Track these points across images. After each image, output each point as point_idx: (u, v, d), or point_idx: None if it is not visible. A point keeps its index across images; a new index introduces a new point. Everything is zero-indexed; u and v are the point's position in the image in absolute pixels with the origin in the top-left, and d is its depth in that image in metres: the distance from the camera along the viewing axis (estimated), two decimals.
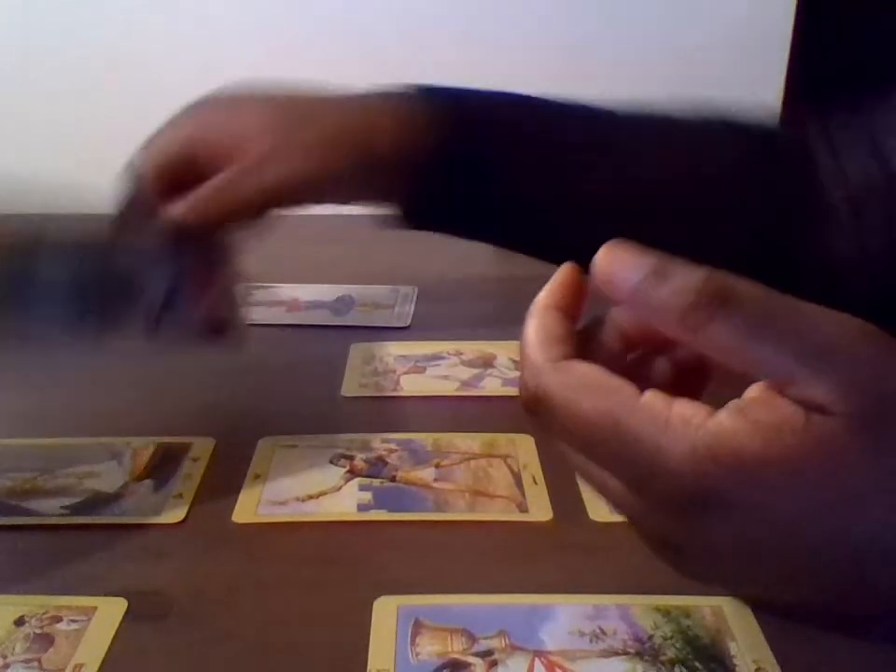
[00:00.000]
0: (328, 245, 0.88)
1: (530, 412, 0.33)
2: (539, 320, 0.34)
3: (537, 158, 0.59)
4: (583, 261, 0.34)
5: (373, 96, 0.60)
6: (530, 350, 0.33)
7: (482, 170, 0.58)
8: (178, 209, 0.54)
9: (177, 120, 0.58)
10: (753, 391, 0.29)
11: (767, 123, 0.64)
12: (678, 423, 0.29)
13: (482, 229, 0.62)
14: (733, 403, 0.29)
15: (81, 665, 0.36)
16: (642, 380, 0.31)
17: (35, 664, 0.36)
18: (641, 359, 0.36)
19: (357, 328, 0.70)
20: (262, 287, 0.80)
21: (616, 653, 0.36)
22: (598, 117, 0.62)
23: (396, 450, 0.52)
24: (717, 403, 0.30)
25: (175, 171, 0.56)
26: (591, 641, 0.37)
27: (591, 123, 0.62)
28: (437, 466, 0.50)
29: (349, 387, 0.60)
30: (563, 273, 0.35)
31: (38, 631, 0.38)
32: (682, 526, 0.31)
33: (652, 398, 0.30)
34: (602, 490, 0.34)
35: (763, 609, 0.38)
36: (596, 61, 1.19)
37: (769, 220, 0.59)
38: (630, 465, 0.30)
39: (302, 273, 0.83)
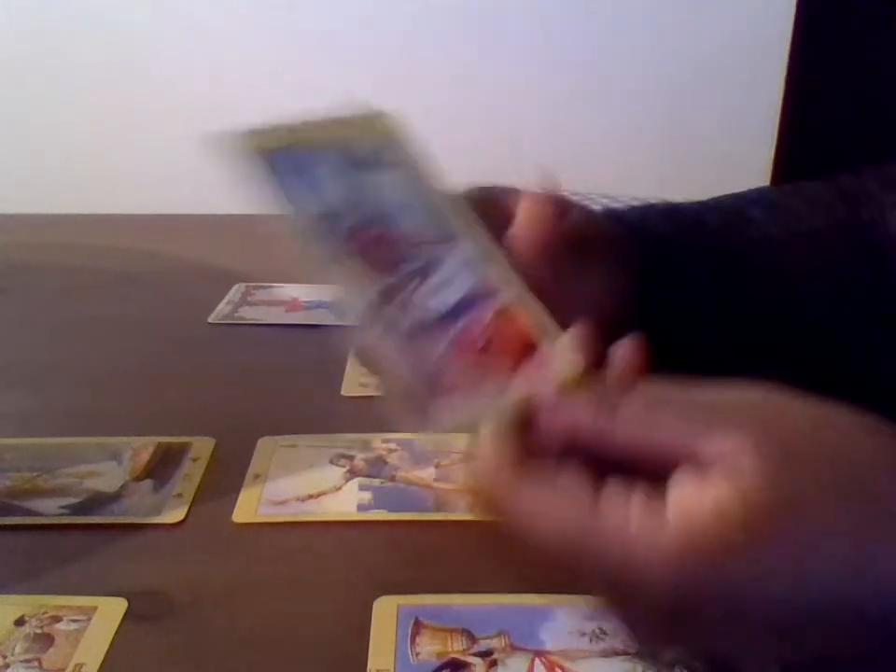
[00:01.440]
0: None
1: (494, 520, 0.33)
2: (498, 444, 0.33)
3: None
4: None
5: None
6: (490, 474, 0.32)
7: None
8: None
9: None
10: (678, 477, 0.30)
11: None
12: (641, 532, 0.29)
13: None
14: (673, 500, 0.30)
15: (81, 665, 0.36)
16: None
17: (35, 663, 0.36)
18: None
19: (353, 327, 0.70)
20: (262, 287, 0.80)
21: (616, 653, 0.36)
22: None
23: (396, 450, 0.52)
24: None
25: None
26: (591, 641, 0.37)
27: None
28: (437, 466, 0.50)
29: (349, 387, 0.60)
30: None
31: (38, 631, 0.38)
32: (660, 623, 0.31)
33: (610, 507, 0.30)
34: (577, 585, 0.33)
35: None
36: (597, 61, 1.19)
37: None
38: (603, 580, 0.30)
39: (302, 274, 0.83)
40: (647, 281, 0.47)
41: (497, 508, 0.32)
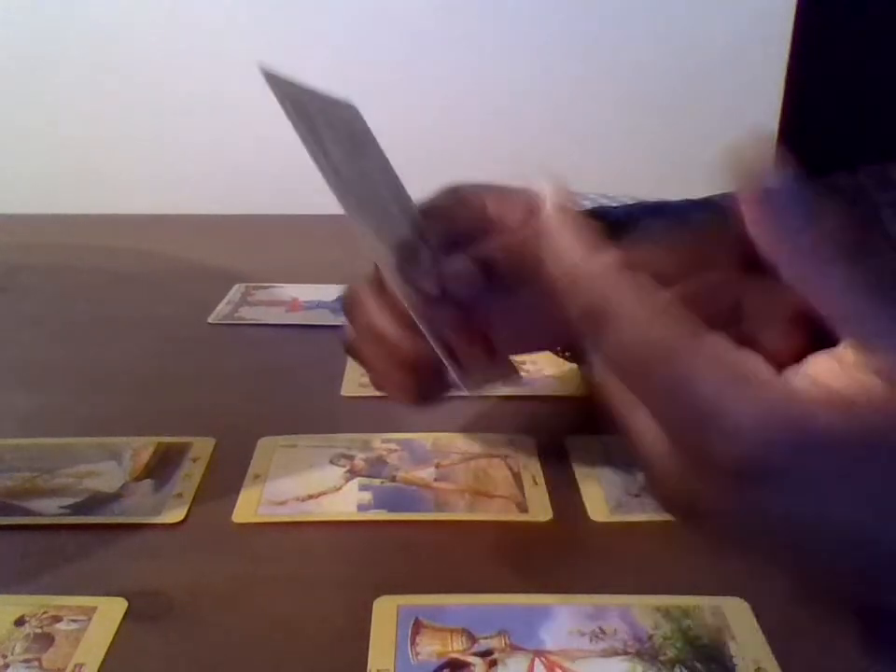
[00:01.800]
0: (328, 245, 0.88)
1: (584, 316, 0.28)
2: (572, 227, 0.29)
3: None
4: None
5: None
6: (584, 252, 0.28)
7: None
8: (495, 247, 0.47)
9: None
10: (818, 359, 0.27)
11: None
12: (746, 377, 0.26)
13: None
14: (805, 367, 0.27)
15: (81, 665, 0.36)
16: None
17: (35, 664, 0.36)
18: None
19: None
20: (262, 286, 0.80)
21: (616, 653, 0.36)
22: None
23: (396, 450, 0.52)
24: None
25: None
26: (591, 641, 0.37)
27: None
28: (437, 466, 0.50)
29: (349, 387, 0.60)
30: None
31: (38, 631, 0.38)
32: (726, 490, 0.27)
33: (719, 340, 0.26)
34: (637, 437, 0.30)
35: (785, 624, 0.37)
36: (598, 61, 1.19)
37: None
38: (683, 412, 0.26)
39: (302, 273, 0.83)
40: None
41: (611, 279, 0.27)
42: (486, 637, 0.37)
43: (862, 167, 0.58)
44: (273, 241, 0.81)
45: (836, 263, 0.26)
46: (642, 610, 0.38)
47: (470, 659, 0.36)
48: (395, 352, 0.45)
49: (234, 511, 0.46)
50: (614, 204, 0.57)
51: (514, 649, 0.36)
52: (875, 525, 0.27)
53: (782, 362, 0.28)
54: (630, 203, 0.57)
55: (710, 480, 0.27)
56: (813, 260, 0.26)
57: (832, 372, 0.26)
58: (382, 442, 0.52)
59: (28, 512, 0.46)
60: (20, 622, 0.38)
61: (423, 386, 0.46)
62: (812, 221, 0.26)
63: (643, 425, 0.29)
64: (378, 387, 0.50)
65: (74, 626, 0.38)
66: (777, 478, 0.26)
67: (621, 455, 0.49)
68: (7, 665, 0.36)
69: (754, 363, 0.26)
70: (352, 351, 0.49)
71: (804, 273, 0.27)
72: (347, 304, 0.49)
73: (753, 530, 0.29)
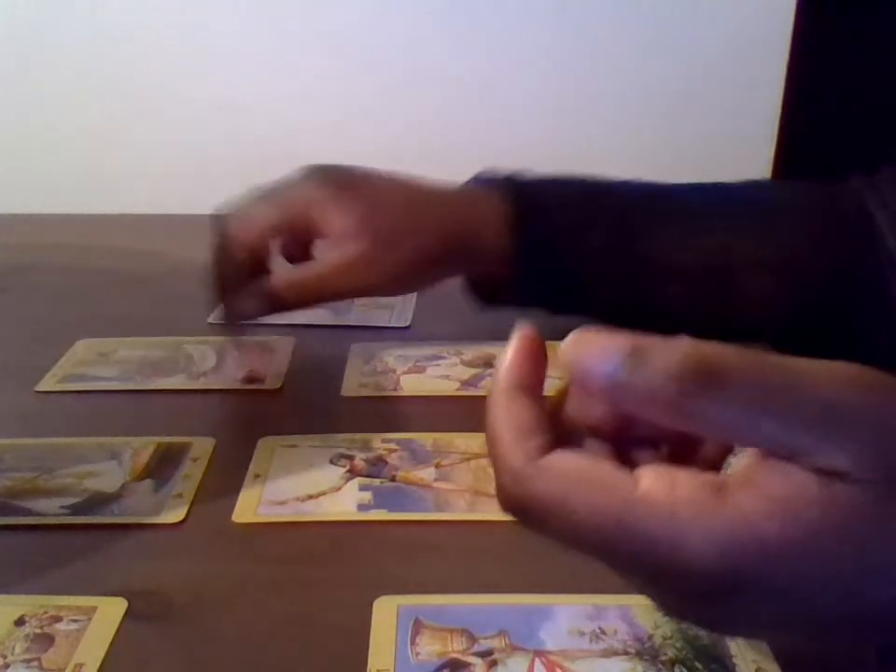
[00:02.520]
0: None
1: (517, 519, 0.29)
2: (506, 411, 0.29)
3: (608, 235, 0.64)
4: (667, 323, 0.31)
5: (460, 189, 0.65)
6: (504, 450, 0.29)
7: (558, 252, 0.63)
8: (280, 284, 0.61)
9: (285, 190, 0.62)
10: (761, 465, 0.27)
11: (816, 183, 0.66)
12: (686, 513, 0.26)
13: (565, 305, 0.65)
14: (745, 480, 0.27)
15: (81, 665, 0.36)
16: (629, 444, 0.30)
17: (35, 663, 0.36)
18: (622, 425, 0.31)
19: (356, 327, 0.70)
20: None
21: (616, 653, 0.36)
22: (669, 192, 0.68)
23: (396, 450, 0.52)
24: None
25: (278, 234, 0.61)
26: (591, 641, 0.37)
27: (662, 197, 0.68)
28: (437, 466, 0.50)
29: (349, 387, 0.60)
30: (519, 342, 0.31)
31: (38, 631, 0.38)
32: (705, 610, 0.28)
33: (651, 484, 0.27)
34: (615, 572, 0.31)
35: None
36: (597, 61, 1.19)
37: (833, 277, 0.62)
38: (643, 564, 0.27)
39: None
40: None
41: (526, 485, 0.28)
42: (486, 637, 0.37)
43: (866, 176, 0.60)
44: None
45: (704, 407, 0.26)
46: (642, 610, 0.38)
47: (470, 659, 0.36)
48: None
49: (234, 510, 0.46)
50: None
51: (514, 649, 0.36)
52: (841, 611, 0.28)
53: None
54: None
55: (685, 604, 0.29)
56: (683, 418, 0.27)
57: (770, 477, 0.26)
58: (382, 442, 0.52)
59: (28, 512, 0.46)
60: (20, 622, 0.38)
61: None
62: (640, 383, 0.27)
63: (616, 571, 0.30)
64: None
65: (74, 626, 0.38)
66: (746, 592, 0.26)
67: None
68: (6, 665, 0.36)
69: (690, 495, 0.26)
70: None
71: (687, 428, 0.27)
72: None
73: (747, 634, 0.32)
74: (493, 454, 0.30)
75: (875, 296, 0.61)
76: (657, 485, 0.27)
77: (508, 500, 0.29)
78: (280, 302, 0.60)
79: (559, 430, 0.30)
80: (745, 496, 0.26)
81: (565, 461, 0.28)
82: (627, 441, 0.30)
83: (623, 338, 0.27)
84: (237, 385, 0.61)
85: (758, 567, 0.26)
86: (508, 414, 0.29)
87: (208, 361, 0.64)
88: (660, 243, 0.64)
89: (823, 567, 0.26)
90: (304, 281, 0.61)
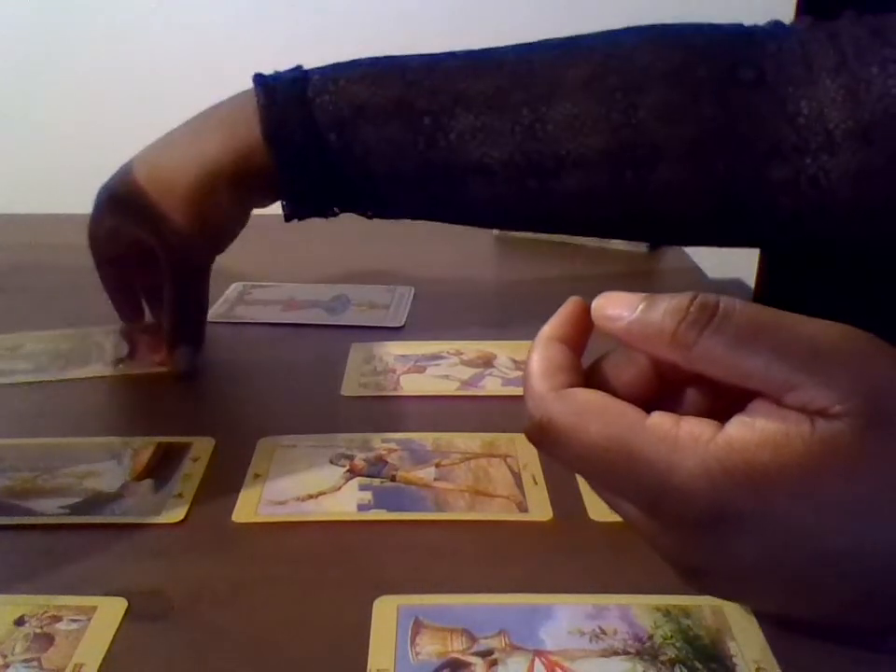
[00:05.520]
0: (324, 244, 0.88)
1: (535, 442, 0.33)
2: (541, 351, 0.34)
3: (401, 128, 0.57)
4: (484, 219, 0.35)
5: (220, 112, 0.63)
6: (533, 380, 0.33)
7: (346, 151, 0.58)
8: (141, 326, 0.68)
9: (97, 217, 0.65)
10: (756, 403, 0.29)
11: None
12: (686, 440, 0.29)
13: (371, 205, 0.63)
14: (738, 417, 0.29)
15: (81, 665, 0.36)
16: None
17: (35, 663, 0.36)
18: (661, 393, 0.34)
19: (352, 327, 0.70)
20: (258, 285, 0.80)
21: (616, 653, 0.36)
22: (493, 65, 0.58)
23: (396, 450, 0.52)
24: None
25: (121, 257, 0.65)
26: (591, 641, 0.37)
27: (476, 72, 0.57)
28: (437, 466, 0.50)
29: (349, 387, 0.60)
30: (568, 306, 0.35)
31: (38, 631, 0.38)
32: (699, 544, 0.31)
33: (659, 418, 0.30)
34: (618, 512, 0.34)
35: (785, 624, 0.37)
36: None
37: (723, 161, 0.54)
38: (641, 487, 0.30)
39: (299, 273, 0.83)
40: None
41: (546, 406, 0.32)
42: (486, 637, 0.37)
43: (864, 16, 0.55)
44: (272, 240, 0.81)
45: (702, 337, 0.29)
46: (642, 610, 0.38)
47: (470, 659, 0.36)
48: None
49: (234, 510, 0.46)
50: None
51: (514, 649, 0.36)
52: (834, 549, 0.29)
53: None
54: None
55: (681, 539, 0.31)
56: (681, 348, 0.30)
57: (763, 415, 0.29)
58: (382, 442, 0.52)
59: (28, 512, 0.46)
60: (20, 622, 0.38)
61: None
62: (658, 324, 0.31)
63: (614, 502, 0.34)
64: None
65: (74, 626, 0.38)
66: (737, 521, 0.29)
67: None
68: (6, 665, 0.36)
69: (691, 428, 0.29)
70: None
71: (687, 361, 0.30)
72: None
73: (732, 574, 0.32)
74: (525, 387, 0.33)
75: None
76: (663, 419, 0.30)
77: (531, 426, 0.32)
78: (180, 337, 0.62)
79: (591, 383, 0.33)
80: (738, 431, 0.29)
81: (585, 394, 0.32)
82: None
83: (640, 294, 0.31)
84: (158, 369, 0.62)
85: (746, 493, 0.28)
86: (543, 355, 0.33)
87: (122, 348, 0.66)
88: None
89: (815, 497, 0.28)
90: (166, 319, 0.62)
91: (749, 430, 0.28)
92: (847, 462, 0.28)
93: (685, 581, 0.35)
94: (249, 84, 0.62)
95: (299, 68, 0.61)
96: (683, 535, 0.31)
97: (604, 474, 0.32)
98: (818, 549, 0.29)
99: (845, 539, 0.29)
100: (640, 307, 0.31)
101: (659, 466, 0.29)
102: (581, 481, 0.48)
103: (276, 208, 0.62)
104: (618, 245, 0.89)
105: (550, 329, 0.34)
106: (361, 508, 0.47)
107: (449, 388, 0.60)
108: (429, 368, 0.63)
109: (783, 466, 0.28)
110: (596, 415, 0.30)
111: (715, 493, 0.28)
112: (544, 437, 0.32)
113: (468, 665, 0.36)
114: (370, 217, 0.63)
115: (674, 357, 0.30)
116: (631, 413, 0.30)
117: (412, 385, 0.60)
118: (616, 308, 0.31)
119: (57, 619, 0.38)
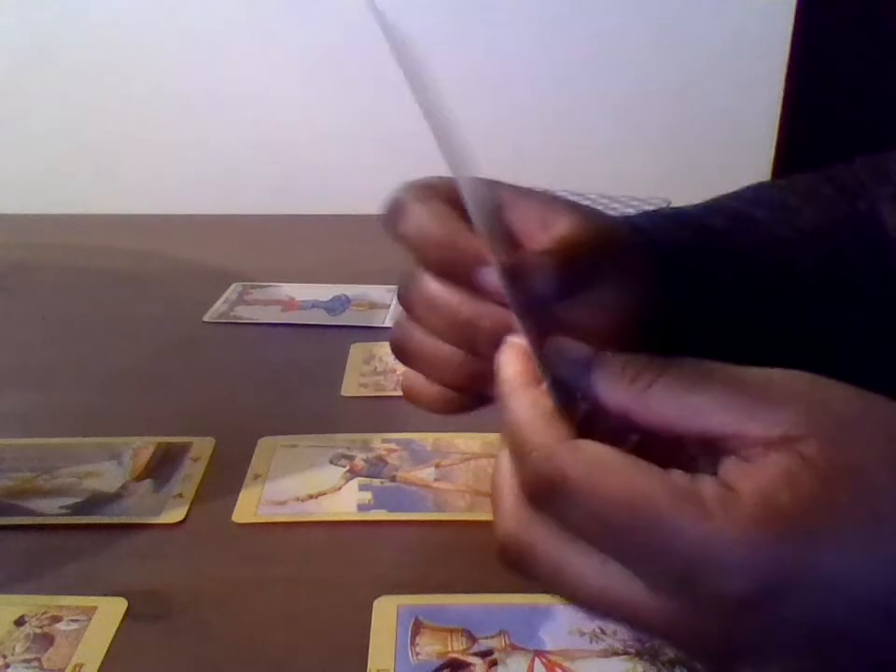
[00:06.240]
0: (325, 245, 0.88)
1: (542, 501, 0.27)
2: (527, 397, 0.29)
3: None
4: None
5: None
6: (530, 432, 0.28)
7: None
8: None
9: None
10: (729, 460, 0.27)
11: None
12: (714, 503, 0.25)
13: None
14: (735, 470, 0.27)
15: (81, 665, 0.36)
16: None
17: (35, 663, 0.36)
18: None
19: (352, 327, 0.70)
20: (259, 286, 0.80)
21: (616, 653, 0.36)
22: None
23: (396, 450, 0.52)
24: None
25: None
26: (591, 641, 0.37)
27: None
28: (437, 466, 0.50)
29: (349, 387, 0.60)
30: (513, 348, 0.32)
31: (38, 631, 0.38)
32: (742, 624, 0.26)
33: (680, 477, 0.26)
34: (608, 604, 0.28)
35: None
36: (597, 61, 1.19)
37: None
38: (672, 558, 0.26)
39: (298, 273, 0.83)
40: (665, 288, 0.42)
41: (557, 459, 0.27)
42: (486, 637, 0.37)
43: (856, 157, 0.56)
44: (272, 241, 0.81)
45: (654, 385, 0.28)
46: None
47: (470, 659, 0.36)
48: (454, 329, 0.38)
49: (234, 510, 0.46)
50: (623, 209, 0.54)
51: (514, 649, 0.36)
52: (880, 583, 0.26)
53: None
54: (643, 208, 0.55)
55: (722, 620, 0.26)
56: (635, 395, 0.28)
57: (753, 458, 0.27)
58: (382, 442, 0.52)
59: (28, 512, 0.46)
60: (20, 622, 0.38)
61: (465, 395, 0.39)
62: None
63: (614, 584, 0.28)
64: (410, 394, 0.42)
65: (74, 626, 0.38)
66: (785, 590, 0.25)
67: None
68: (7, 665, 0.36)
69: (713, 489, 0.26)
70: (399, 345, 0.43)
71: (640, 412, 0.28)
72: (404, 287, 0.42)
73: (777, 654, 0.27)
74: (518, 437, 0.29)
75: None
76: (683, 478, 0.26)
77: (536, 479, 0.28)
78: None
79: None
80: (752, 482, 0.26)
81: (597, 447, 0.27)
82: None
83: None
84: None
85: (794, 550, 0.25)
86: (531, 401, 0.29)
87: None
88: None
89: (845, 533, 0.26)
90: None
91: (764, 479, 0.26)
92: (854, 481, 0.26)
93: (709, 665, 0.31)
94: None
95: None
96: (725, 615, 0.26)
97: (623, 542, 0.26)
98: (859, 593, 0.26)
99: (879, 565, 0.26)
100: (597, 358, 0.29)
101: (691, 534, 0.25)
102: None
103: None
104: None
105: (517, 372, 0.30)
106: (361, 508, 0.47)
107: None
108: None
109: (808, 509, 0.25)
110: (618, 470, 0.26)
111: (762, 562, 0.25)
112: (555, 496, 0.27)
113: (468, 665, 0.36)
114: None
115: (623, 404, 0.28)
116: (655, 468, 0.26)
117: None
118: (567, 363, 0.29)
119: (57, 619, 0.38)
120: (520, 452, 0.29)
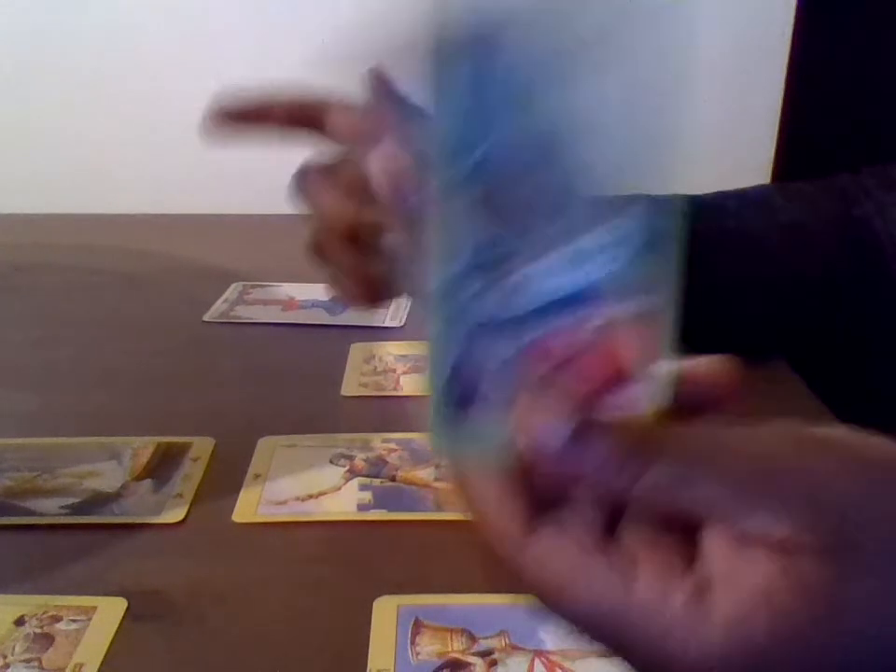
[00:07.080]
0: None
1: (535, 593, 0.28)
2: (502, 498, 0.29)
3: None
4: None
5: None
6: (520, 530, 0.28)
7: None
8: None
9: None
10: (718, 546, 0.26)
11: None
12: (685, 623, 0.25)
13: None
14: (716, 574, 0.26)
15: (81, 665, 0.36)
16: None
17: (35, 663, 0.36)
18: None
19: (352, 327, 0.70)
20: (259, 286, 0.80)
21: None
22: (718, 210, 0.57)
23: (396, 450, 0.52)
24: None
25: None
26: (591, 641, 0.37)
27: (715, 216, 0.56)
28: (437, 466, 0.50)
29: (349, 387, 0.60)
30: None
31: (38, 631, 0.38)
32: None
33: (646, 589, 0.26)
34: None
35: None
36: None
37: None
38: (638, 663, 0.27)
39: (299, 273, 0.83)
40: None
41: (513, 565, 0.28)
42: (486, 637, 0.37)
43: (865, 168, 0.57)
44: (272, 241, 0.81)
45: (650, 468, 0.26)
46: None
47: (470, 659, 0.36)
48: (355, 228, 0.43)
49: (234, 510, 0.46)
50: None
51: (514, 649, 0.36)
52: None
53: None
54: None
55: None
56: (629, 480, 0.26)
57: (740, 568, 0.25)
58: (382, 442, 0.52)
59: (28, 512, 0.46)
60: (20, 622, 0.38)
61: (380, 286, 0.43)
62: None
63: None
64: (337, 283, 0.45)
65: (74, 626, 0.38)
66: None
67: None
68: (7, 665, 0.36)
69: (682, 597, 0.25)
70: (317, 244, 0.48)
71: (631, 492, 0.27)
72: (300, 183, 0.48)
73: None
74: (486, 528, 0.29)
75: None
76: (654, 591, 0.26)
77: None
78: None
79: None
80: (728, 597, 0.25)
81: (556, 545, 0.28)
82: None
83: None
84: None
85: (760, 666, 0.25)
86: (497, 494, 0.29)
87: None
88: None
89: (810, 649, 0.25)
90: None
91: (745, 590, 0.25)
92: (830, 607, 0.25)
93: None
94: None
95: None
96: None
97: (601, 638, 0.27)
98: None
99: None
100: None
101: (656, 654, 0.26)
102: None
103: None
104: None
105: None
106: (361, 508, 0.47)
107: None
108: None
109: (781, 635, 0.24)
110: (582, 582, 0.27)
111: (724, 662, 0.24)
112: (547, 597, 0.28)
113: (468, 665, 0.36)
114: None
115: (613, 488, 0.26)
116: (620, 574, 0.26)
117: (412, 384, 0.60)
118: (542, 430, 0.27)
119: (57, 619, 0.38)
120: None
